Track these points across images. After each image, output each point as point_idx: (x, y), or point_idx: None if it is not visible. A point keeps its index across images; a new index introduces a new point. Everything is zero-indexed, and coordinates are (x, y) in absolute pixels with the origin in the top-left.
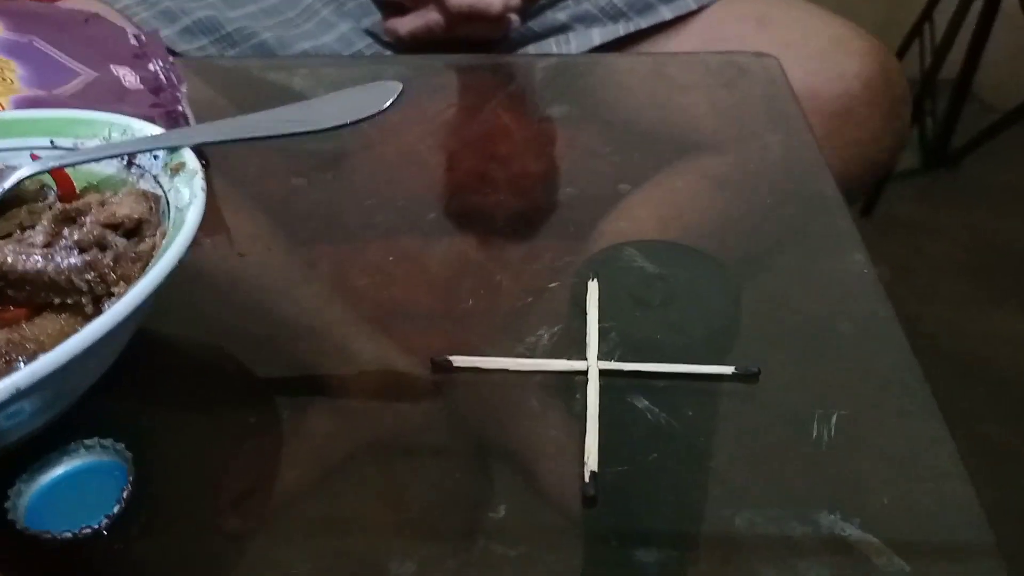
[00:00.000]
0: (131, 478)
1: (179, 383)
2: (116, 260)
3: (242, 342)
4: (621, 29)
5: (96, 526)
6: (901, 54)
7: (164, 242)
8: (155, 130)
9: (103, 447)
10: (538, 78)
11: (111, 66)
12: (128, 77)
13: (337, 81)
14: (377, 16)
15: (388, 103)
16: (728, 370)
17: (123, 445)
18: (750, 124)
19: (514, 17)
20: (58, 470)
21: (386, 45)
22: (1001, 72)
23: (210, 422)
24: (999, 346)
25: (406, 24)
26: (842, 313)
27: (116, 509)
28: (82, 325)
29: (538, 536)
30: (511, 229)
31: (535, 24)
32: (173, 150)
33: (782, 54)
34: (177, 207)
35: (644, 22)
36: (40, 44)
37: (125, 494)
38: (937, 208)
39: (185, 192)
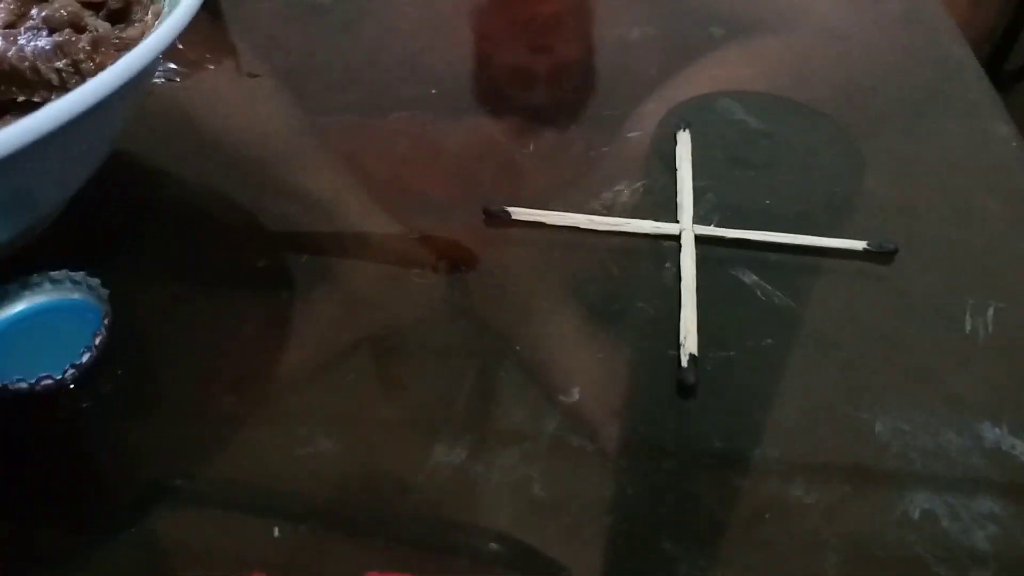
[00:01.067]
0: (106, 321)
1: (171, 221)
2: (94, 45)
3: (246, 185)
4: None
5: (59, 376)
6: None
7: (157, 23)
8: None
9: (74, 282)
10: None
11: None
12: None
13: None
14: None
15: None
16: (859, 245)
17: (98, 280)
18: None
19: None
20: (18, 306)
21: None
22: None
23: (205, 271)
24: None
25: None
26: (987, 188)
27: (85, 358)
28: None
29: (620, 428)
30: (578, 71)
31: None
32: None
33: None
34: None
35: None
36: None
37: (98, 340)
38: None
39: None
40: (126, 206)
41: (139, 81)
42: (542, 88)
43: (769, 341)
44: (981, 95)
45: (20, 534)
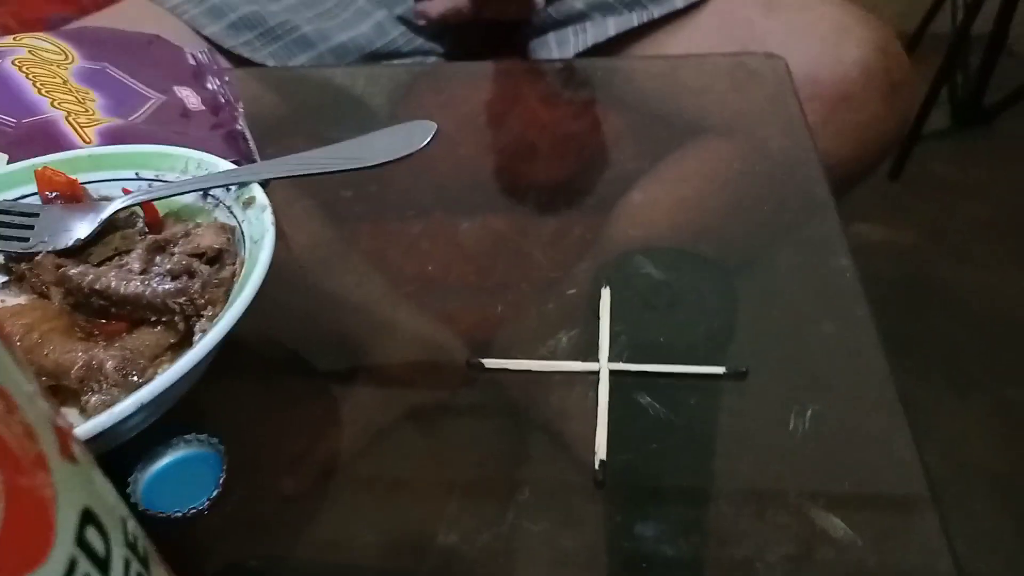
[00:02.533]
0: (225, 467)
1: (255, 382)
2: (203, 287)
3: (306, 339)
4: (635, 19)
5: (199, 507)
6: (934, 9)
7: (243, 271)
8: (226, 164)
9: (199, 440)
10: (560, 79)
11: (174, 88)
12: (191, 99)
13: (372, 77)
14: (409, 2)
15: (426, 141)
16: (720, 370)
17: (217, 439)
18: (754, 124)
19: None
20: (165, 459)
21: (418, 31)
22: None
23: (285, 412)
24: None
25: (436, 7)
26: (824, 313)
27: (215, 492)
28: (175, 337)
29: (556, 514)
30: (533, 231)
31: (554, 11)
32: (243, 184)
33: (786, 39)
34: (251, 238)
35: (658, 11)
36: (112, 71)
37: (221, 480)
38: (969, 167)
39: (257, 225)
40: (225, 379)
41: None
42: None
43: (654, 446)
44: (831, 233)
45: None
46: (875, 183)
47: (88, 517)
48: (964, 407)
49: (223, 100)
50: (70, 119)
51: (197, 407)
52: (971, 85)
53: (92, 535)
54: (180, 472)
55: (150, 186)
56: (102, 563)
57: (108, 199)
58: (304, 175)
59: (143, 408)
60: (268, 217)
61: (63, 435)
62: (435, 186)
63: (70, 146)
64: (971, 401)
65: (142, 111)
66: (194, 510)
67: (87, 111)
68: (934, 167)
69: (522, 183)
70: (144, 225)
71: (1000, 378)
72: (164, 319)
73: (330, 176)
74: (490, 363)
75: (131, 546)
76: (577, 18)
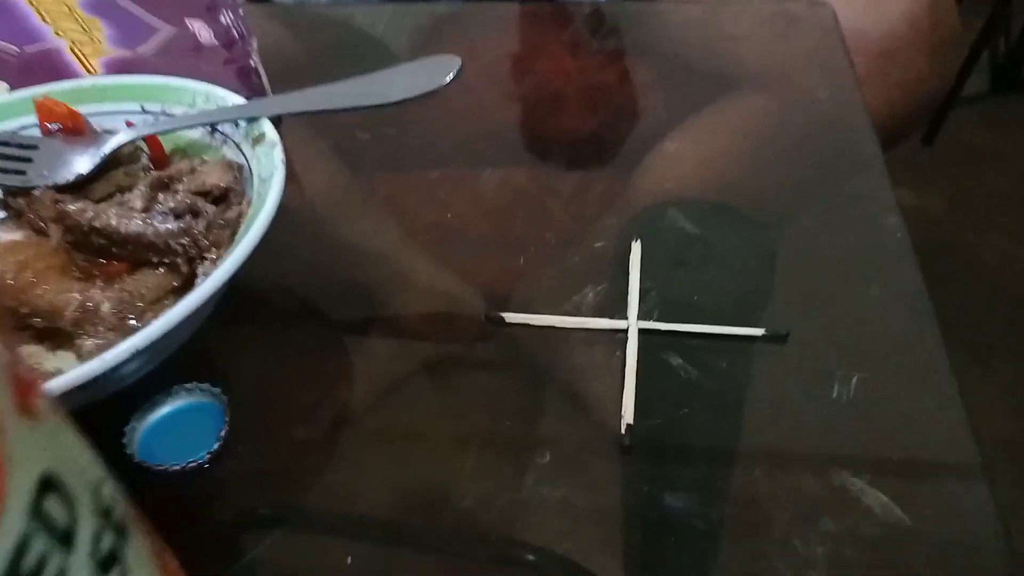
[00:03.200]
0: (227, 419)
1: (261, 329)
2: (208, 227)
3: (318, 288)
4: None
5: (200, 460)
6: None
7: (250, 211)
8: (236, 99)
9: (201, 390)
10: (589, 23)
11: (186, 20)
12: (203, 32)
13: (394, 17)
14: None
15: (449, 77)
16: (758, 332)
17: (219, 389)
18: (797, 75)
19: None
20: (164, 409)
21: None
22: None
23: (290, 362)
24: None
25: None
26: (871, 275)
27: (216, 446)
28: (178, 281)
29: (579, 480)
30: (566, 187)
31: None
32: (253, 120)
33: None
34: (260, 176)
35: None
36: (122, 0)
37: (223, 433)
38: (1004, 135)
39: (267, 164)
40: (230, 325)
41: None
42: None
43: (685, 411)
44: (879, 190)
45: None
46: (908, 147)
47: (48, 484)
48: (986, 377)
49: (236, 35)
50: (75, 49)
51: (201, 355)
52: (1011, 49)
53: (53, 505)
54: (180, 423)
55: (156, 120)
56: (65, 536)
57: (111, 132)
58: (319, 111)
59: (138, 354)
60: (278, 155)
61: (24, 387)
62: (456, 133)
63: (74, 77)
64: (993, 371)
65: (151, 43)
66: (193, 463)
67: (93, 41)
68: (967, 134)
69: (547, 133)
70: (148, 161)
71: (1021, 350)
72: (167, 261)
73: (346, 117)
74: (511, 317)
75: (105, 514)
76: None
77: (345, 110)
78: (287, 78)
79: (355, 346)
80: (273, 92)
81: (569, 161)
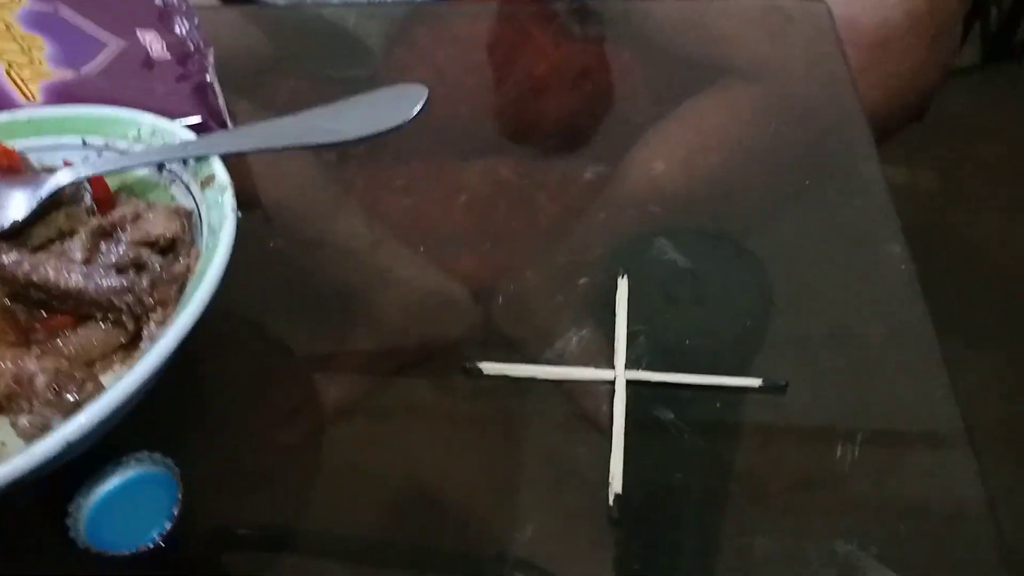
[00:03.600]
0: (180, 494)
1: (218, 393)
2: (153, 284)
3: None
4: None
5: (150, 544)
6: None
7: (199, 267)
8: (184, 132)
9: (152, 460)
10: (571, 20)
11: (137, 31)
12: (154, 45)
13: (365, 13)
14: None
15: (415, 111)
16: (755, 383)
17: (171, 460)
18: (790, 72)
19: None
20: (113, 482)
21: None
22: None
23: (249, 424)
24: None
25: None
26: (873, 314)
27: (168, 526)
28: (125, 338)
29: (563, 559)
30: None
31: None
32: (201, 159)
33: None
34: (210, 225)
35: None
36: (66, 12)
37: (176, 510)
38: (995, 107)
39: (216, 210)
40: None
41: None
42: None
43: (679, 475)
44: (882, 214)
45: None
46: None
47: None
48: (979, 360)
49: (192, 47)
50: (12, 72)
51: (150, 425)
52: (1003, 19)
53: None
54: (130, 496)
55: (99, 155)
56: None
57: (51, 169)
58: (274, 149)
59: (71, 444)
60: (229, 201)
61: None
62: (433, 131)
63: (9, 105)
64: (986, 353)
65: (97, 60)
66: (145, 548)
67: (33, 62)
68: (958, 106)
69: (527, 123)
70: (91, 200)
71: (1016, 330)
72: (111, 316)
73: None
74: (489, 368)
75: None
76: None
77: (303, 147)
78: (253, 81)
79: (328, 382)
80: (238, 98)
81: (550, 151)
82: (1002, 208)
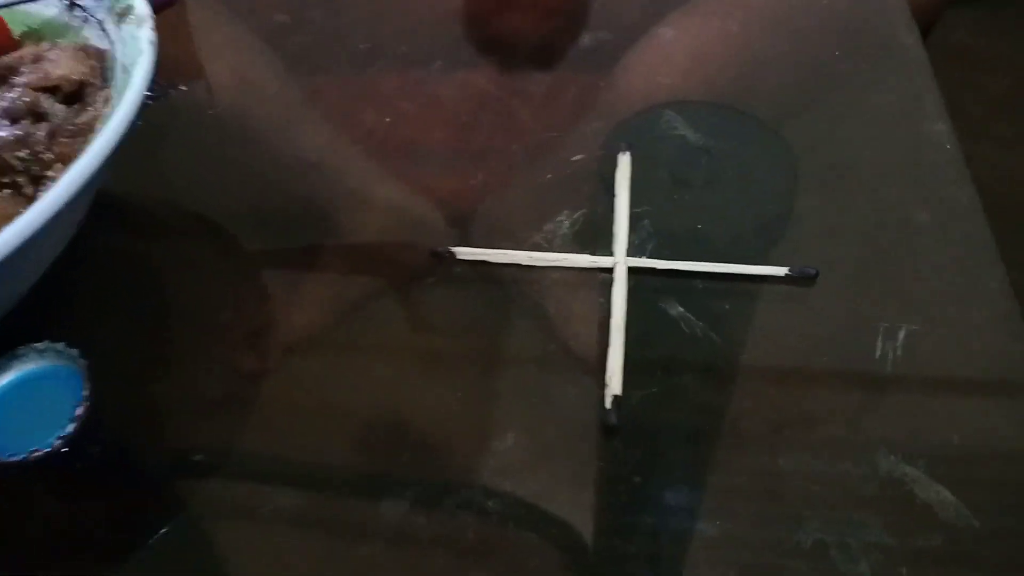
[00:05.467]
0: (86, 393)
1: (140, 274)
2: (52, 135)
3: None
4: None
5: (48, 449)
6: None
7: (107, 111)
8: None
9: (56, 352)
10: None
11: None
12: None
13: None
14: None
15: None
16: (781, 271)
17: (77, 351)
18: None
19: None
20: (7, 376)
21: None
22: None
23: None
24: None
25: None
26: (917, 198)
27: (71, 428)
28: (24, 206)
29: (550, 471)
30: (528, 84)
31: None
32: None
33: None
34: (124, 65)
35: None
36: None
37: (79, 411)
38: (997, 37)
39: (132, 46)
40: (99, 265)
41: (98, 176)
42: (492, 105)
43: (689, 376)
44: (923, 87)
45: None
46: None
47: None
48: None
49: None
50: None
51: (56, 309)
52: None
53: None
54: (28, 393)
55: None
56: None
57: None
58: None
59: None
60: (146, 35)
61: None
62: (395, 20)
63: None
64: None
65: None
66: (39, 453)
67: None
68: (960, 36)
69: (510, 21)
70: None
71: (1016, 264)
72: (6, 179)
73: None
74: (463, 253)
75: None
76: None
77: None
78: None
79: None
80: None
81: (538, 56)
82: (1003, 139)
